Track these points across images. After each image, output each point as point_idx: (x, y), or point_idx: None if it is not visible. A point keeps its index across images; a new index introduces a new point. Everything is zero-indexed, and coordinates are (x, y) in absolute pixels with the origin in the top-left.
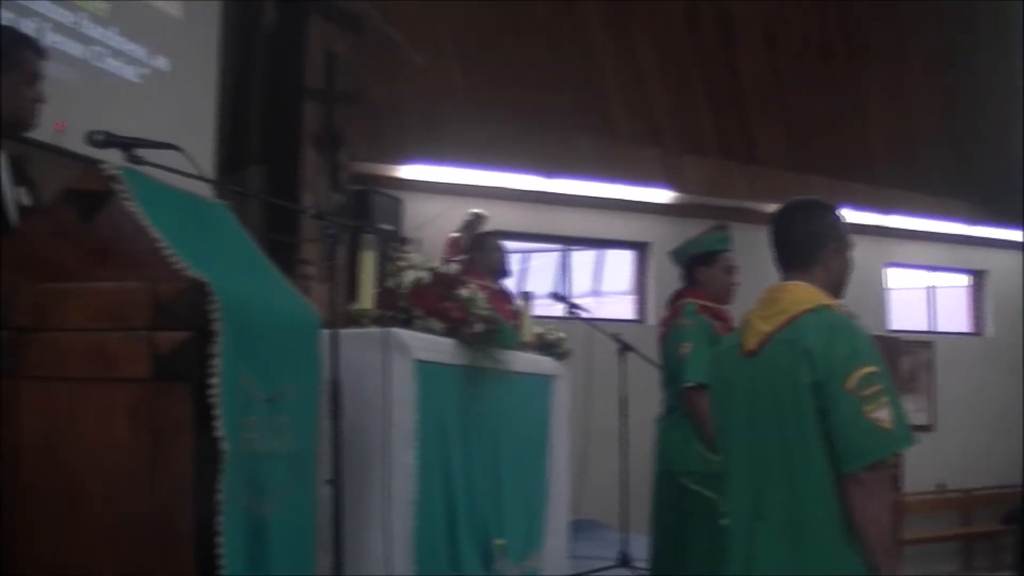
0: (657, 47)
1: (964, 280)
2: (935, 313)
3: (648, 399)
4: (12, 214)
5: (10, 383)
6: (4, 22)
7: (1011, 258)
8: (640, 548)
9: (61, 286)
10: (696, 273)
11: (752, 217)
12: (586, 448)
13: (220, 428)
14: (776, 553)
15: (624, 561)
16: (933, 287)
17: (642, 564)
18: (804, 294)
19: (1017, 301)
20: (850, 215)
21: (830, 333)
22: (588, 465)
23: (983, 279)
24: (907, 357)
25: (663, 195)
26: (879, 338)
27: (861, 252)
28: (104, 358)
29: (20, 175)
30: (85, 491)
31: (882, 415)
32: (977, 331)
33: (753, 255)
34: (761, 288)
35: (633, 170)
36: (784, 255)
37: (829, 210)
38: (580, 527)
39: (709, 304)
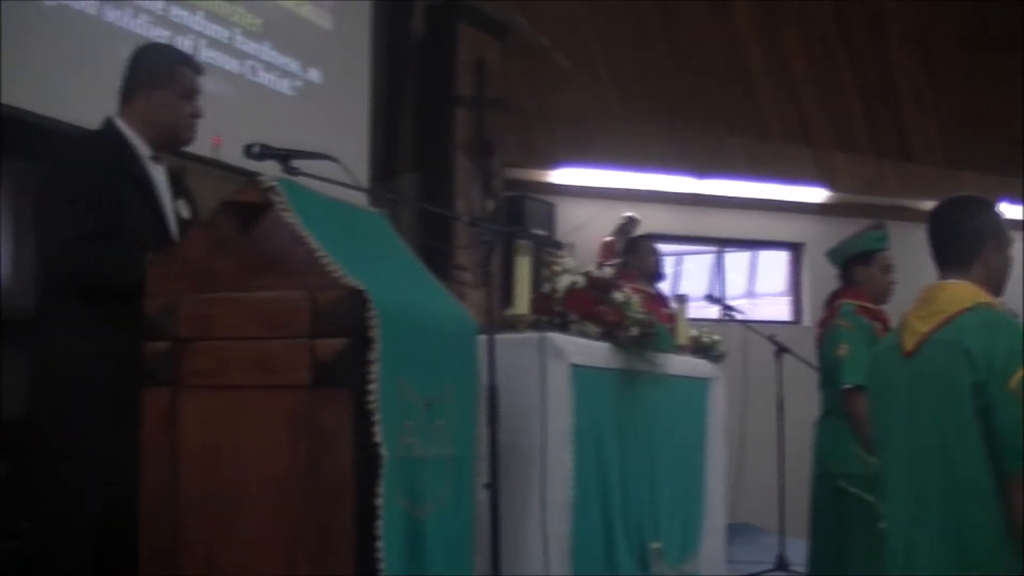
0: (807, 45)
1: None
2: None
3: (804, 401)
4: (172, 227)
5: (171, 392)
6: (161, 40)
7: None
8: (797, 552)
9: (222, 296)
10: (853, 273)
11: (907, 215)
12: (742, 451)
13: (379, 434)
14: (936, 556)
15: (781, 565)
16: None
17: (799, 568)
18: (962, 293)
19: None
20: (1008, 210)
21: (990, 332)
22: (744, 468)
23: None
24: None
25: (817, 194)
26: None
27: (1021, 248)
28: (265, 366)
29: (179, 188)
30: (246, 496)
31: None
32: None
33: (909, 253)
34: (918, 287)
35: (785, 169)
36: (942, 253)
37: (987, 206)
38: (736, 531)
39: (866, 304)
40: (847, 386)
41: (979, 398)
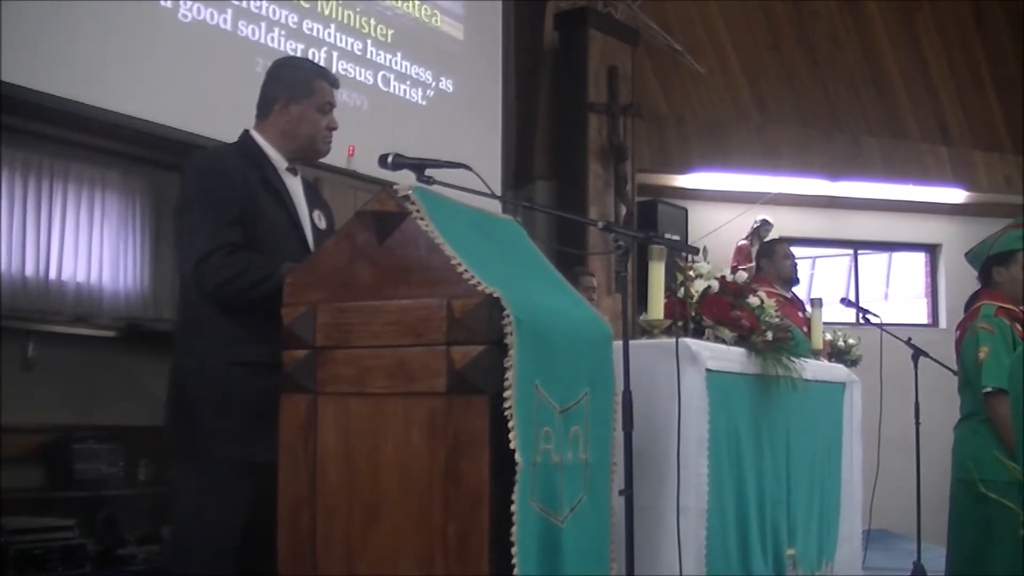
0: (944, 45)
1: None
2: None
3: (942, 405)
4: (309, 237)
5: (310, 400)
6: (296, 53)
7: None
8: (935, 559)
9: (360, 304)
10: (992, 274)
11: None
12: (879, 456)
13: (515, 440)
14: None
15: (919, 573)
16: None
17: (937, 575)
18: None
19: None
20: None
21: None
22: (881, 473)
23: None
24: None
25: (954, 195)
26: None
27: None
28: (402, 373)
29: (315, 199)
30: (383, 502)
31: None
32: None
33: None
34: None
35: (923, 170)
36: None
37: None
38: (873, 537)
39: (1007, 305)
40: (988, 389)
41: None
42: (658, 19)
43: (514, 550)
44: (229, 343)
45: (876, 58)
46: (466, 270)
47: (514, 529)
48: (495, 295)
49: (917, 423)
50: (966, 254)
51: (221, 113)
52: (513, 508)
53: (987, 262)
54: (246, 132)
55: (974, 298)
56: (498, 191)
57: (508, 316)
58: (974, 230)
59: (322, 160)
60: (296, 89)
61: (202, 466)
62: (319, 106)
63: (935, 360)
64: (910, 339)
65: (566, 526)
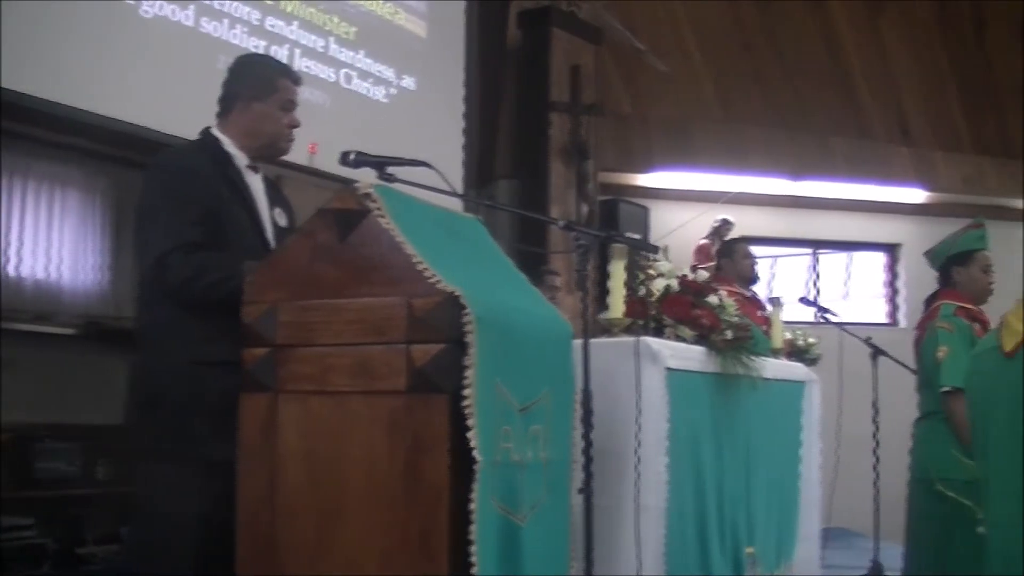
0: (908, 45)
1: None
2: None
3: (901, 404)
4: (270, 236)
5: (271, 398)
6: (257, 50)
7: None
8: (892, 557)
9: (320, 303)
10: (952, 274)
11: (1008, 214)
12: (838, 454)
13: (475, 438)
14: None
15: (876, 570)
16: None
17: (895, 573)
18: None
19: None
20: None
21: None
22: (840, 472)
23: None
24: None
25: (914, 195)
26: None
27: None
28: (363, 372)
29: (276, 197)
30: (343, 500)
31: None
32: None
33: (1009, 253)
34: (1019, 287)
35: (885, 170)
36: None
37: None
38: (832, 535)
39: (966, 305)
40: (946, 388)
41: None
42: (623, 18)
43: (474, 549)
44: (192, 342)
45: (841, 58)
46: (427, 268)
47: (474, 528)
48: (456, 294)
49: (876, 422)
50: (925, 254)
51: (183, 110)
52: (473, 507)
53: (946, 262)
54: (207, 130)
55: (933, 298)
56: (460, 189)
57: (468, 315)
58: (934, 230)
59: (284, 158)
60: (258, 87)
61: (168, 466)
62: (281, 104)
63: (894, 359)
64: (869, 338)
65: (526, 525)
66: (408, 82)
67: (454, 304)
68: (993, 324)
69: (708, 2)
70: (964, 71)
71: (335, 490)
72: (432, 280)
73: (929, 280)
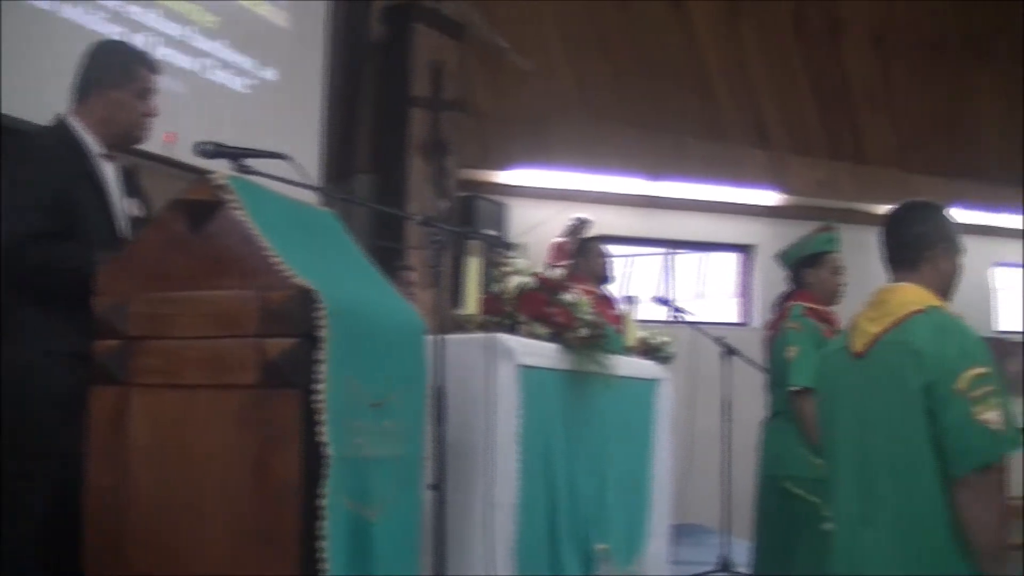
0: (765, 48)
1: None
2: None
3: (752, 402)
4: (123, 226)
5: (121, 391)
6: (116, 37)
7: None
8: (742, 553)
9: (173, 295)
10: (803, 275)
11: (860, 218)
12: (690, 452)
13: (325, 433)
14: (884, 558)
15: (725, 566)
16: None
17: (744, 569)
18: (913, 295)
19: None
20: (959, 214)
21: (940, 334)
22: (692, 469)
23: None
24: (1016, 358)
25: (769, 197)
26: (986, 339)
27: (968, 252)
28: (215, 365)
29: (131, 186)
30: (193, 495)
31: (993, 417)
32: None
33: (861, 256)
34: (869, 290)
35: (740, 172)
36: (894, 256)
37: (940, 212)
38: (683, 531)
39: (816, 306)
40: (795, 388)
41: (928, 399)
42: (486, 15)
43: (323, 544)
44: (41, 334)
45: (700, 60)
46: (281, 262)
47: (324, 524)
48: (309, 288)
49: (727, 420)
50: (775, 255)
51: (38, 95)
52: (323, 503)
53: (798, 264)
54: (61, 116)
55: (784, 298)
56: (318, 183)
57: (322, 309)
58: (788, 232)
59: (140, 147)
60: (115, 74)
61: (18, 460)
62: (138, 92)
63: (745, 359)
64: (722, 338)
65: (377, 521)
66: (268, 73)
67: (307, 298)
68: (844, 325)
69: (570, 1)
70: (819, 76)
71: (184, 486)
72: (286, 274)
73: (782, 281)
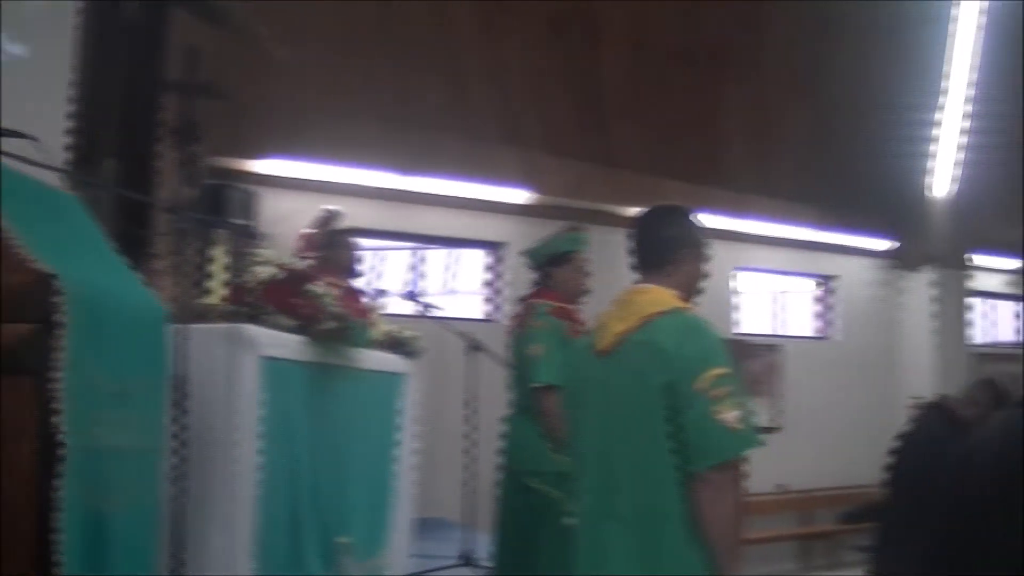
0: (521, 49)
1: (813, 285)
2: (783, 317)
3: (498, 398)
4: None
5: None
6: None
7: (859, 264)
8: (485, 547)
9: None
10: (549, 273)
11: (609, 220)
12: (435, 446)
13: (62, 423)
14: (625, 553)
15: (468, 560)
16: (781, 291)
17: (486, 563)
18: (659, 297)
19: (863, 306)
20: (705, 219)
21: (683, 334)
22: (436, 463)
23: (832, 284)
24: (755, 360)
25: (520, 195)
26: (727, 341)
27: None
28: None
29: None
30: None
31: (731, 416)
32: (824, 335)
33: (610, 257)
34: (617, 290)
35: (494, 170)
36: (642, 258)
37: (688, 216)
38: (427, 526)
39: (561, 304)
40: (539, 384)
41: (670, 397)
42: (247, 3)
43: (59, 538)
44: None
45: (458, 58)
46: (19, 245)
47: (59, 516)
48: (48, 272)
49: (472, 415)
50: (522, 253)
51: None
52: (57, 495)
53: (544, 262)
54: None
55: (529, 296)
56: (64, 165)
57: (61, 294)
58: (537, 230)
59: None
60: None
61: None
62: None
63: (490, 354)
64: (469, 333)
65: (115, 513)
66: (17, 49)
67: (47, 283)
68: (589, 324)
69: None
70: (575, 79)
71: None
72: (24, 258)
73: (529, 279)
